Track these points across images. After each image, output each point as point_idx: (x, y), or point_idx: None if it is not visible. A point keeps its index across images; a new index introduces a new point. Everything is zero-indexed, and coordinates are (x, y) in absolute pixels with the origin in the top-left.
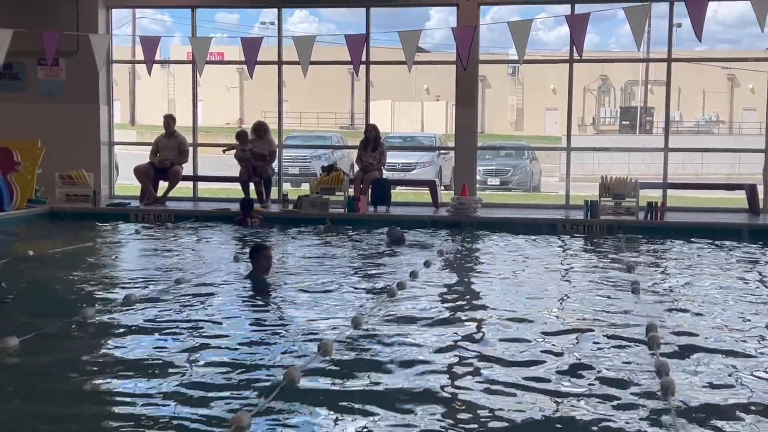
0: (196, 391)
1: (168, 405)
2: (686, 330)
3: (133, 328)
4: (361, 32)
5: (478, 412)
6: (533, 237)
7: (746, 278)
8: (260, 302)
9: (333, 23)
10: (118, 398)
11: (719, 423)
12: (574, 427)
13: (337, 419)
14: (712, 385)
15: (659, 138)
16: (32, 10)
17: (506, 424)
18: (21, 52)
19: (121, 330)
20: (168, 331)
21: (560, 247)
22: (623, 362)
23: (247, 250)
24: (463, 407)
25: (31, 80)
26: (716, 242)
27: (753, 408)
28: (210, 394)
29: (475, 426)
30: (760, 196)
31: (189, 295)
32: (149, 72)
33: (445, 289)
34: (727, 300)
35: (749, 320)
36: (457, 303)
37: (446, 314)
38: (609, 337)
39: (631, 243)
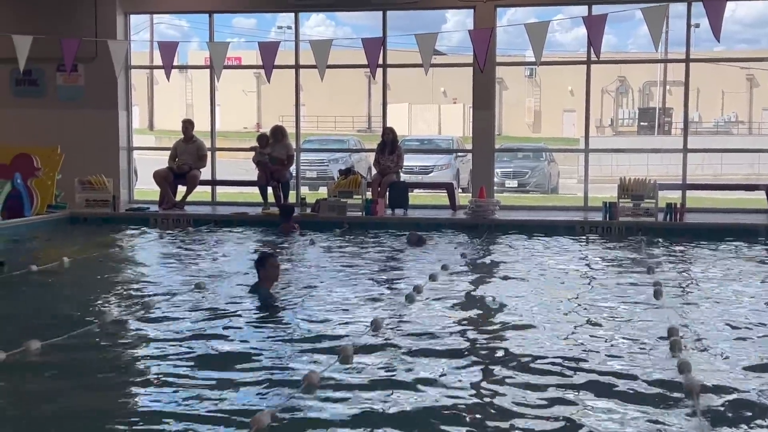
0: (213, 391)
1: (187, 404)
2: (708, 332)
3: (149, 332)
4: (377, 35)
5: (502, 415)
6: (552, 239)
7: (762, 277)
8: (271, 311)
9: (349, 26)
10: (135, 401)
11: (740, 410)
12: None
13: (354, 419)
14: (736, 378)
15: (678, 139)
16: (51, 17)
17: (529, 422)
18: (40, 58)
19: (137, 335)
20: (186, 335)
21: (579, 249)
22: (646, 353)
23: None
24: (485, 407)
25: (50, 86)
26: (736, 243)
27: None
28: (229, 396)
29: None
30: None
31: (207, 300)
32: (167, 77)
33: (462, 290)
34: (742, 297)
35: (762, 315)
36: (475, 301)
37: (463, 313)
38: (632, 336)
39: (651, 244)
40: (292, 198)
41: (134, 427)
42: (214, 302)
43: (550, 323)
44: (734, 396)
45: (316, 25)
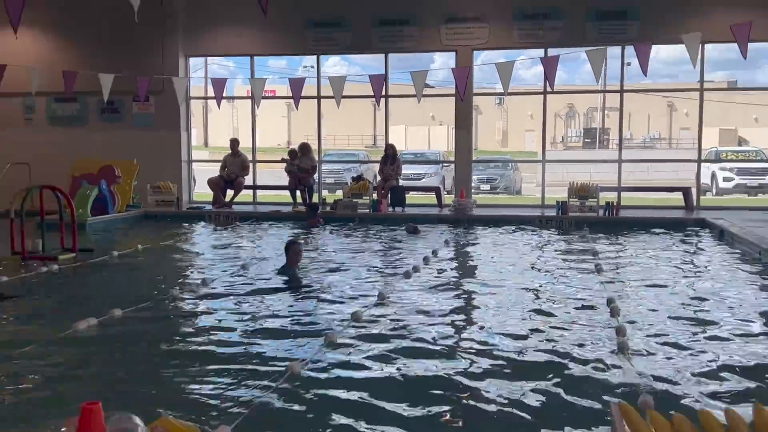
0: (254, 346)
1: (235, 359)
2: (637, 298)
3: (206, 301)
4: (381, 73)
5: (476, 359)
6: (517, 230)
7: (684, 259)
8: (295, 285)
9: (359, 66)
10: (196, 351)
11: (667, 365)
12: (550, 368)
13: (365, 367)
14: (661, 342)
15: (614, 152)
16: (128, 59)
17: (499, 362)
18: (120, 92)
19: (196, 303)
20: (233, 305)
21: (538, 237)
22: (588, 318)
23: (289, 240)
24: (465, 351)
25: (128, 113)
26: (660, 232)
27: (682, 350)
28: (268, 349)
29: (478, 364)
30: (693, 196)
31: (250, 277)
32: (218, 106)
33: (449, 273)
34: (665, 275)
35: (683, 290)
36: (458, 279)
37: (447, 290)
38: (579, 307)
39: (594, 234)
40: (315, 199)
41: (196, 370)
42: (255, 279)
43: (515, 293)
44: (658, 346)
45: (334, 65)
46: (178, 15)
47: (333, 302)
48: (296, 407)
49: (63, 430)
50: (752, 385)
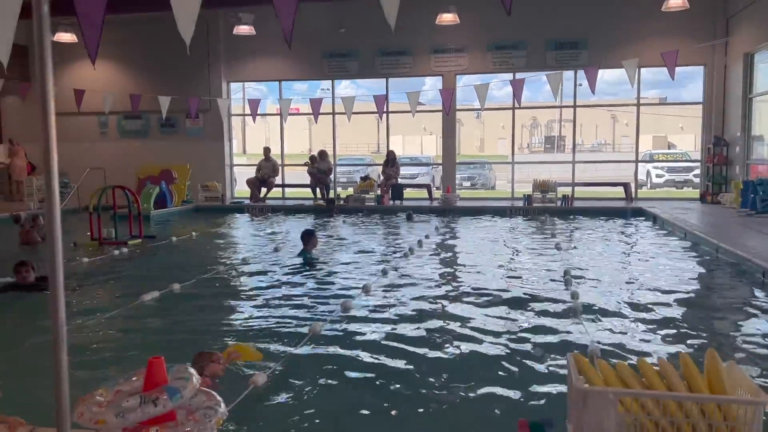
0: (281, 309)
1: (265, 320)
2: (583, 269)
3: (245, 276)
4: (383, 93)
5: (457, 325)
6: (492, 218)
7: (623, 240)
8: (312, 265)
9: (365, 88)
10: (237, 316)
11: (612, 323)
12: (517, 323)
13: (373, 328)
14: (607, 304)
15: (569, 155)
16: (181, 84)
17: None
18: (176, 110)
19: (238, 278)
20: (267, 280)
21: (508, 223)
22: (549, 287)
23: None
24: (449, 319)
25: (181, 127)
26: (605, 218)
27: (626, 307)
28: (295, 314)
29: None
30: (632, 189)
31: (279, 257)
32: (254, 120)
33: (438, 252)
34: (610, 252)
35: (623, 262)
36: (446, 257)
37: (436, 266)
38: (541, 277)
39: (553, 220)
40: (331, 195)
41: (237, 331)
42: (282, 259)
43: (490, 266)
44: (605, 308)
45: (345, 87)
46: (221, 49)
47: (347, 277)
48: (317, 360)
49: (134, 378)
50: (679, 338)
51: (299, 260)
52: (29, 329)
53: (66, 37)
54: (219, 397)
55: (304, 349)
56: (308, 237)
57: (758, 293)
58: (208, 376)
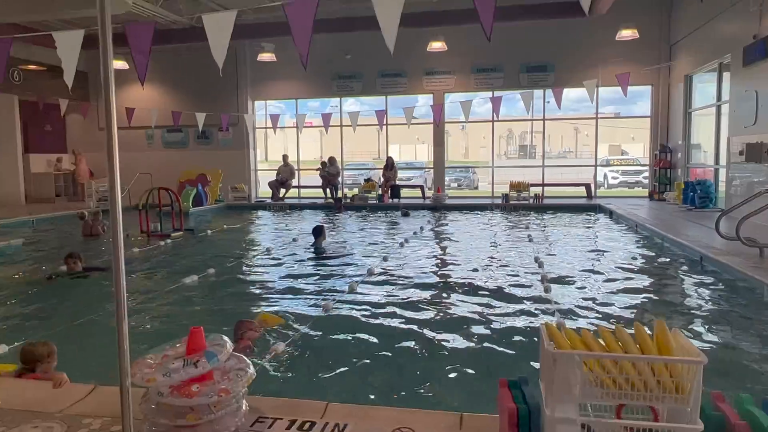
0: (300, 286)
1: (285, 299)
2: (552, 255)
3: (269, 261)
4: (382, 109)
5: (446, 298)
6: (475, 213)
7: (584, 231)
8: (321, 254)
9: (368, 104)
10: (260, 297)
11: (577, 299)
12: (496, 300)
13: (375, 304)
14: (572, 283)
15: (539, 161)
16: (214, 102)
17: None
18: (209, 124)
19: (263, 263)
20: (286, 264)
21: (489, 217)
22: (523, 270)
23: (316, 225)
24: (441, 297)
25: (214, 139)
26: (569, 213)
27: (588, 289)
28: (310, 293)
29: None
30: (592, 189)
31: (296, 247)
32: (274, 132)
33: (430, 242)
34: (574, 241)
35: (585, 249)
36: (436, 245)
37: (429, 253)
38: (515, 263)
39: (526, 215)
40: (339, 194)
41: (261, 309)
42: (299, 248)
43: (474, 254)
44: (571, 286)
45: (351, 104)
46: (247, 72)
47: (352, 263)
48: (328, 332)
49: (178, 345)
50: (632, 310)
51: (312, 250)
52: (89, 308)
53: (119, 64)
54: (248, 360)
55: (317, 323)
56: (318, 232)
57: (696, 274)
58: (248, 339)
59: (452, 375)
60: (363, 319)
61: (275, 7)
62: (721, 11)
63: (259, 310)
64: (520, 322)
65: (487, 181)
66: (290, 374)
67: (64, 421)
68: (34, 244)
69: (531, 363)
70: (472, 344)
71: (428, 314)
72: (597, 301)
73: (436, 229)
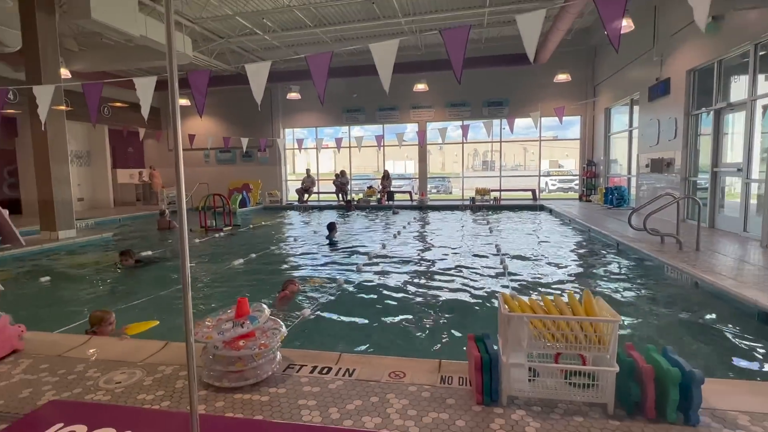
0: (319, 271)
1: (308, 275)
2: (507, 243)
3: (296, 248)
4: (380, 134)
5: (427, 279)
6: (449, 212)
7: (531, 225)
8: (334, 244)
9: (370, 131)
10: (288, 273)
11: (526, 275)
12: (466, 275)
13: (376, 281)
14: (523, 264)
15: (497, 172)
16: (255, 129)
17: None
18: (251, 146)
19: (291, 250)
20: (308, 250)
21: (460, 215)
22: (486, 254)
23: (330, 221)
24: (424, 273)
25: (255, 157)
26: (519, 212)
27: (539, 269)
28: (325, 273)
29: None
30: (537, 193)
31: (315, 238)
32: (299, 152)
33: (416, 233)
34: (524, 231)
35: (532, 238)
36: (421, 237)
37: (416, 242)
38: (480, 248)
39: (489, 213)
40: (349, 198)
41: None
42: (318, 238)
43: (449, 242)
44: (521, 265)
45: (357, 130)
46: (279, 107)
47: (358, 251)
48: (340, 305)
49: (229, 311)
50: (566, 283)
51: (327, 241)
52: (162, 286)
53: (183, 101)
54: (281, 322)
55: (333, 295)
56: (331, 227)
57: (613, 256)
58: (289, 292)
59: (433, 331)
60: (367, 291)
61: (300, 58)
62: (632, 60)
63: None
64: (483, 292)
65: (458, 187)
66: (314, 332)
67: (144, 368)
68: (120, 237)
69: (491, 323)
70: (447, 308)
71: (415, 287)
72: (541, 276)
73: (420, 223)
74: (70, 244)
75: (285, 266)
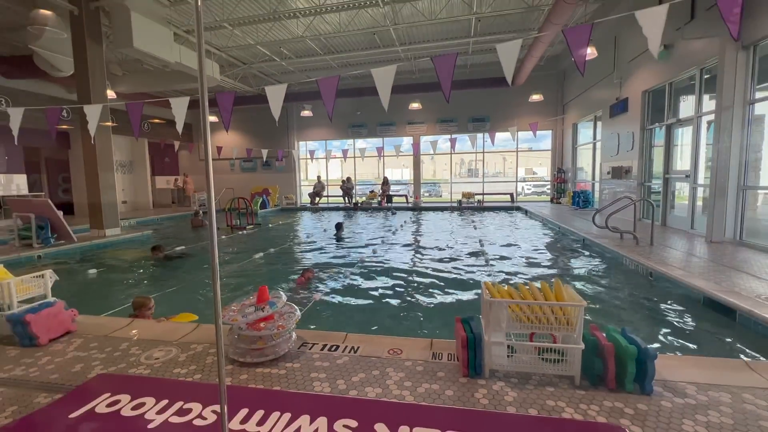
0: (330, 264)
1: (319, 267)
2: (489, 239)
3: (306, 245)
4: (380, 146)
5: (422, 267)
6: (439, 212)
7: (509, 223)
8: (341, 240)
9: (371, 143)
10: (302, 265)
11: (505, 266)
12: (453, 265)
13: (378, 271)
14: (501, 256)
15: (480, 179)
16: (273, 141)
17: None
18: (270, 156)
19: (303, 246)
20: (319, 246)
21: (449, 215)
22: (471, 248)
23: (338, 221)
24: (418, 265)
25: (274, 166)
26: (499, 212)
27: (516, 255)
28: (335, 265)
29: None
30: (514, 197)
31: (326, 235)
32: (311, 161)
33: (412, 230)
34: (503, 229)
35: (510, 234)
36: (415, 234)
37: (412, 237)
38: (466, 243)
39: (473, 213)
40: (354, 200)
41: (298, 267)
42: (328, 234)
43: (440, 236)
44: (501, 258)
45: (360, 143)
46: (294, 123)
47: (362, 246)
48: (348, 288)
49: (251, 297)
50: (539, 273)
51: (335, 238)
52: (194, 275)
53: (212, 118)
54: (296, 307)
55: (341, 283)
56: (339, 226)
57: (580, 249)
58: (305, 277)
59: (426, 314)
60: (369, 280)
61: (312, 81)
62: (596, 82)
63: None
64: (469, 280)
65: (448, 191)
66: (324, 314)
67: (179, 346)
68: (158, 234)
69: (476, 307)
70: (438, 295)
71: (411, 276)
72: (518, 267)
73: (415, 222)
74: (115, 240)
75: (299, 259)
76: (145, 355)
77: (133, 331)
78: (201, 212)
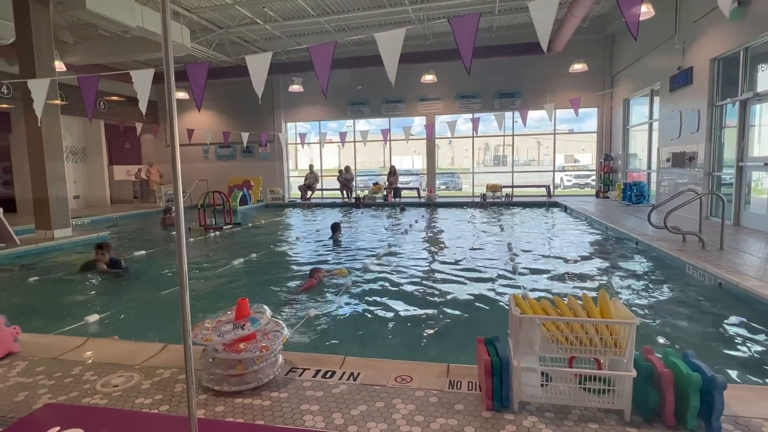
0: (325, 262)
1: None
2: (519, 242)
3: (299, 246)
4: (386, 128)
5: (436, 272)
6: (459, 209)
7: (545, 222)
8: (339, 243)
9: (375, 125)
10: (293, 275)
11: (538, 276)
12: (477, 275)
13: (383, 278)
14: (534, 264)
15: (509, 168)
16: (255, 123)
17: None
18: (252, 141)
19: (294, 248)
20: (311, 250)
21: (471, 212)
22: (497, 253)
23: (334, 221)
24: (433, 272)
25: (256, 152)
26: (532, 209)
27: (548, 266)
28: (335, 263)
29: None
30: (551, 190)
31: (319, 236)
32: (302, 147)
33: (424, 231)
34: (537, 230)
35: (545, 236)
36: (429, 233)
37: (425, 237)
38: (490, 247)
39: (499, 210)
40: (356, 194)
41: (291, 281)
42: (322, 236)
43: (458, 241)
44: (534, 265)
45: (362, 124)
46: (281, 100)
47: (365, 248)
48: (352, 298)
49: (229, 312)
50: (581, 283)
51: (331, 240)
52: (157, 287)
53: (181, 94)
54: (283, 324)
55: (338, 296)
56: (335, 227)
57: (632, 254)
58: (315, 279)
59: (441, 334)
60: (373, 292)
61: (302, 49)
62: (653, 48)
63: (288, 288)
64: (493, 293)
65: (468, 183)
66: (317, 333)
67: (142, 371)
68: (117, 236)
69: (502, 325)
70: (456, 310)
71: (423, 288)
72: (554, 276)
73: (428, 221)
74: (66, 243)
75: (286, 266)
76: (101, 382)
77: (88, 353)
78: (172, 208)
